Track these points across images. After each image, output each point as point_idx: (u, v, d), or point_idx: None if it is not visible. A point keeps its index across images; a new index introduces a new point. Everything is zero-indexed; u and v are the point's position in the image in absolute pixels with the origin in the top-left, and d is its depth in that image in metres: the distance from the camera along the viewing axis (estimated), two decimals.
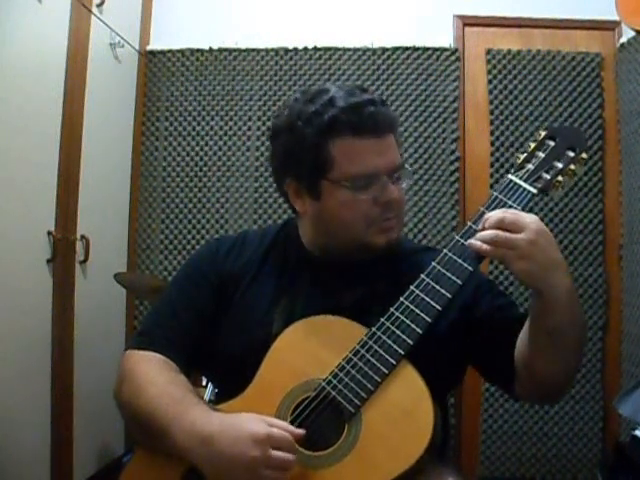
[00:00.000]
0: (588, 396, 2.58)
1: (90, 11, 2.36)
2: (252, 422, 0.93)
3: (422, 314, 0.99)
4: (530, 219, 0.96)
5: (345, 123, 1.05)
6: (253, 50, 2.81)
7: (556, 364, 1.02)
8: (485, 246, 0.96)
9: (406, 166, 1.13)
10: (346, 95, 1.07)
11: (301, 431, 0.95)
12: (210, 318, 1.15)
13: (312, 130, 1.06)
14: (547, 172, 1.07)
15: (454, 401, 2.59)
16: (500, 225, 0.95)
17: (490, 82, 2.73)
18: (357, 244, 1.11)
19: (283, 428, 0.93)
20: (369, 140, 1.06)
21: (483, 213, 1.02)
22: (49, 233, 2.13)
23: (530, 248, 0.94)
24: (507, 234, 0.95)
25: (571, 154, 1.08)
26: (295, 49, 2.80)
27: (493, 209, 1.03)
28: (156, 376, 1.06)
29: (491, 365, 1.13)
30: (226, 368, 1.15)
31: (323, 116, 1.06)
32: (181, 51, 2.84)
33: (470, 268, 1.00)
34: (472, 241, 0.98)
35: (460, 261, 1.01)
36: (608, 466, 1.82)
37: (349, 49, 2.77)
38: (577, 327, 1.01)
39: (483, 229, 0.98)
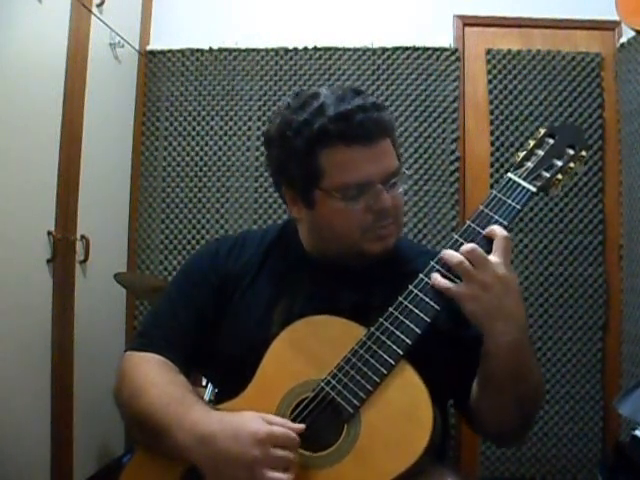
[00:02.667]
0: (588, 396, 2.58)
1: (90, 11, 2.36)
2: (252, 421, 0.93)
3: (421, 314, 0.99)
4: (496, 262, 0.95)
5: (334, 133, 1.03)
6: (253, 50, 2.80)
7: (494, 413, 1.03)
8: (450, 286, 0.96)
9: (403, 170, 1.11)
10: (336, 101, 1.04)
11: (301, 426, 0.95)
12: (210, 318, 1.15)
13: (302, 140, 1.05)
14: (547, 170, 1.06)
15: (454, 401, 2.58)
16: (468, 255, 0.96)
17: (490, 82, 2.73)
18: (353, 251, 1.10)
19: (283, 425, 0.93)
20: (360, 148, 1.04)
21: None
22: (49, 233, 2.13)
23: (480, 290, 0.94)
24: (469, 266, 0.95)
25: (571, 152, 1.07)
26: (295, 49, 2.79)
27: (492, 208, 1.03)
28: (156, 377, 1.07)
29: (456, 389, 1.12)
30: (226, 368, 1.15)
31: (312, 126, 1.04)
32: (181, 51, 2.84)
33: None
34: (436, 275, 0.99)
35: None
36: (608, 466, 1.82)
37: (349, 49, 2.77)
38: (520, 382, 1.00)
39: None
